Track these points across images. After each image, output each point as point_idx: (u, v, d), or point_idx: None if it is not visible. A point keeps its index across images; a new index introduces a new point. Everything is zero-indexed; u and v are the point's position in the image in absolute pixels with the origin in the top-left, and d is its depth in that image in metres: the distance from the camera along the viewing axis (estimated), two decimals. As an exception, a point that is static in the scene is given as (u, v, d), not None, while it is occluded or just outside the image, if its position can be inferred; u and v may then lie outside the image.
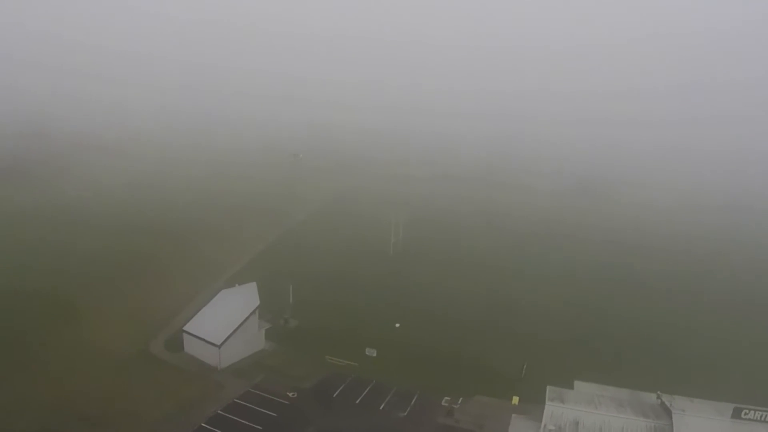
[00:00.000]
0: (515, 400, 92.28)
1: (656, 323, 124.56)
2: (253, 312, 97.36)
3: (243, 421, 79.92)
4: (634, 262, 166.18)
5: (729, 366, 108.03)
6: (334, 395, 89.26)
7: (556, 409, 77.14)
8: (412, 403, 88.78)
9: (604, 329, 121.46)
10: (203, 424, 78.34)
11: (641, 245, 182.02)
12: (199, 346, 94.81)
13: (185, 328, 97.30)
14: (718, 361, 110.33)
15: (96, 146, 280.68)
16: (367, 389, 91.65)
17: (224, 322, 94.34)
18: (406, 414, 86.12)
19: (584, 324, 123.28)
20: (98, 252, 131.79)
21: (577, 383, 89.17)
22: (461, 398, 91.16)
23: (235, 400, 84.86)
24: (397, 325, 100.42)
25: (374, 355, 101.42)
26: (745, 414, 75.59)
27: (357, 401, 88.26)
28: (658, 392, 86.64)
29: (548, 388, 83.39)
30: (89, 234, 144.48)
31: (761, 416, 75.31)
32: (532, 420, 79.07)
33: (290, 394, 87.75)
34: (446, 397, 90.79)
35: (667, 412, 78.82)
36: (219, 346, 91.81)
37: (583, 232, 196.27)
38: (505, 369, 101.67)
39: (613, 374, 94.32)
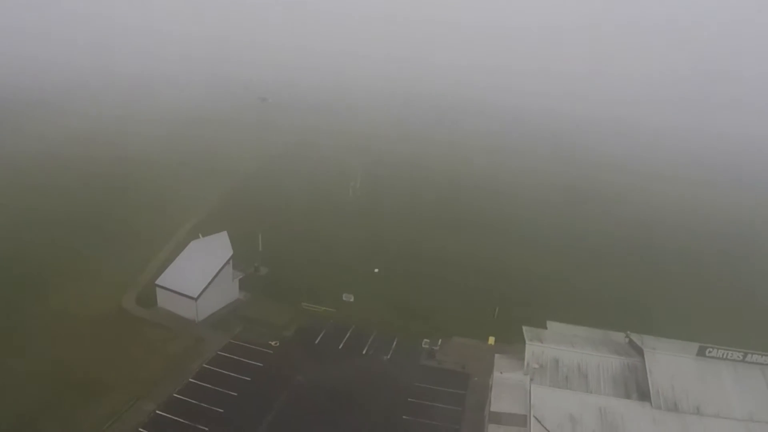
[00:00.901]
0: (491, 340, 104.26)
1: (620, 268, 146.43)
2: (227, 262, 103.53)
3: (230, 374, 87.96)
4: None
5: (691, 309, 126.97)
6: (316, 342, 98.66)
7: (537, 348, 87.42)
8: (393, 346, 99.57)
9: (567, 275, 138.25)
10: (191, 380, 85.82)
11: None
12: (173, 300, 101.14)
13: (158, 282, 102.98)
14: (680, 304, 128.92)
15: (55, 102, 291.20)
16: (348, 334, 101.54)
17: (198, 274, 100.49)
18: (389, 357, 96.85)
19: (550, 270, 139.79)
20: (57, 211, 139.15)
21: (549, 323, 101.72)
22: (440, 340, 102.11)
23: (219, 353, 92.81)
24: (376, 270, 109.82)
25: (351, 300, 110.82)
26: (709, 352, 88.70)
27: (339, 347, 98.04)
28: (627, 332, 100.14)
29: (524, 328, 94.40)
30: (45, 193, 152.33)
31: (723, 354, 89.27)
32: (514, 359, 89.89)
33: (273, 343, 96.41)
34: (425, 339, 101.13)
35: (638, 350, 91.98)
36: (196, 299, 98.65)
37: (545, 186, 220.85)
38: (479, 311, 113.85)
39: (579, 315, 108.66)
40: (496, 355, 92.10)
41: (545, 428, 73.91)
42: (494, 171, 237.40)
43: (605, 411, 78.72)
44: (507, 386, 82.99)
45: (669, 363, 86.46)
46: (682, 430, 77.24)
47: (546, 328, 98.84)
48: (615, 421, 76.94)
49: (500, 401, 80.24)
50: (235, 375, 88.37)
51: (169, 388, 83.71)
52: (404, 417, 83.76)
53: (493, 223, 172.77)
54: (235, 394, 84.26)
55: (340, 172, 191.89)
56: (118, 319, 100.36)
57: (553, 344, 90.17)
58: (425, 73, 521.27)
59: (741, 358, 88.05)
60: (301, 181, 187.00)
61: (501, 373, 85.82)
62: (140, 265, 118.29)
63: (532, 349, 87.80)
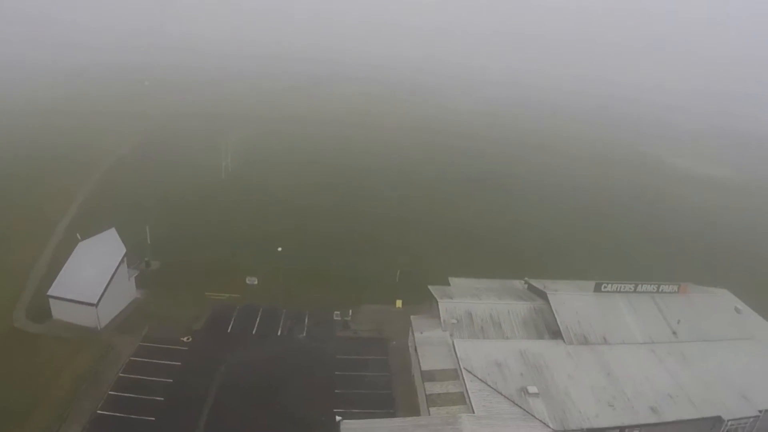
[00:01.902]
0: (399, 303, 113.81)
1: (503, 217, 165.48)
2: (122, 260, 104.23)
3: (150, 378, 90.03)
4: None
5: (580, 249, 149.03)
6: (229, 330, 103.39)
7: (449, 304, 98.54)
8: (306, 322, 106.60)
9: (459, 230, 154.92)
10: (111, 392, 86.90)
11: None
12: (71, 310, 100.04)
13: (50, 292, 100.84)
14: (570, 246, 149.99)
15: None
16: (258, 318, 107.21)
17: (93, 278, 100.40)
18: (305, 334, 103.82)
19: (444, 226, 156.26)
20: None
21: (452, 279, 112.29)
22: (351, 310, 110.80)
23: (132, 359, 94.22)
24: (279, 249, 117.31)
25: (255, 283, 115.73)
26: (605, 287, 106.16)
27: (253, 332, 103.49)
28: (525, 278, 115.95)
29: (430, 287, 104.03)
30: None
31: (617, 288, 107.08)
32: (429, 318, 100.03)
33: (185, 339, 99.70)
34: (336, 312, 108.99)
35: (540, 294, 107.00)
36: (96, 305, 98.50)
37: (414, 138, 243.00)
38: (383, 277, 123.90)
39: (477, 268, 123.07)
40: (412, 317, 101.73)
41: (477, 377, 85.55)
42: (368, 132, 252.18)
43: (525, 353, 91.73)
44: (430, 345, 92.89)
45: (571, 302, 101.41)
46: (596, 360, 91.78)
47: (449, 284, 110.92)
48: (536, 361, 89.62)
49: (428, 359, 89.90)
50: (156, 379, 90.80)
51: (90, 406, 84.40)
52: (336, 391, 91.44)
53: (378, 187, 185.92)
54: (162, 398, 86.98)
55: (213, 150, 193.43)
56: (12, 339, 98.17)
57: (463, 298, 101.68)
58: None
59: (632, 289, 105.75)
60: (176, 166, 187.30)
61: (421, 333, 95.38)
62: (21, 276, 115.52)
63: (444, 306, 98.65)
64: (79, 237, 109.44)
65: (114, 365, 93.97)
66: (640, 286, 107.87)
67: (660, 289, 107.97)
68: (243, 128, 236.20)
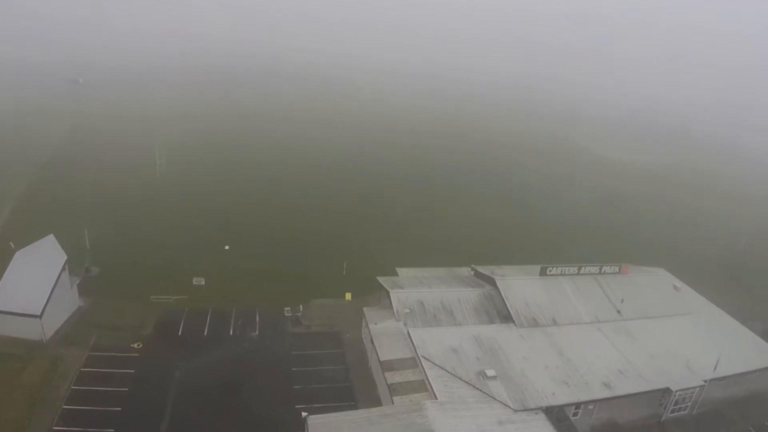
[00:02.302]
0: (348, 296, 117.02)
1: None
2: (63, 268, 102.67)
3: (105, 389, 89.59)
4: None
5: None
6: (180, 334, 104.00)
7: (401, 294, 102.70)
8: (257, 321, 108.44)
9: (399, 222, 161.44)
10: (65, 406, 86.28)
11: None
12: (12, 323, 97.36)
13: None
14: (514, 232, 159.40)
15: None
16: (208, 319, 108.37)
17: (34, 288, 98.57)
18: (257, 333, 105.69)
19: (384, 220, 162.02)
20: None
21: (399, 270, 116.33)
22: (301, 305, 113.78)
23: (83, 370, 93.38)
24: (227, 247, 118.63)
25: (203, 283, 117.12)
26: (550, 271, 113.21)
27: (205, 333, 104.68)
28: (472, 265, 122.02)
29: (379, 278, 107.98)
30: None
31: (561, 271, 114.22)
32: (381, 309, 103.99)
33: (135, 346, 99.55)
34: (286, 308, 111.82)
35: (488, 280, 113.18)
36: (40, 316, 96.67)
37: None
38: (329, 270, 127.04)
39: (421, 258, 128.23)
40: (365, 308, 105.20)
41: (435, 364, 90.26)
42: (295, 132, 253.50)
43: (480, 338, 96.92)
44: (385, 335, 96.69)
45: (519, 286, 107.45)
46: (548, 341, 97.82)
47: (397, 275, 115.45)
48: (491, 345, 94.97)
49: (386, 350, 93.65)
50: (111, 389, 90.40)
51: (44, 423, 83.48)
52: (295, 387, 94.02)
53: (317, 182, 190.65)
54: (119, 408, 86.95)
55: (146, 150, 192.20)
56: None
57: (413, 288, 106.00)
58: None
59: (576, 271, 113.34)
60: (109, 167, 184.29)
61: (376, 324, 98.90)
62: None
63: (396, 296, 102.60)
64: (12, 246, 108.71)
65: (65, 378, 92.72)
66: (583, 268, 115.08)
67: (602, 271, 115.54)
68: (174, 127, 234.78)
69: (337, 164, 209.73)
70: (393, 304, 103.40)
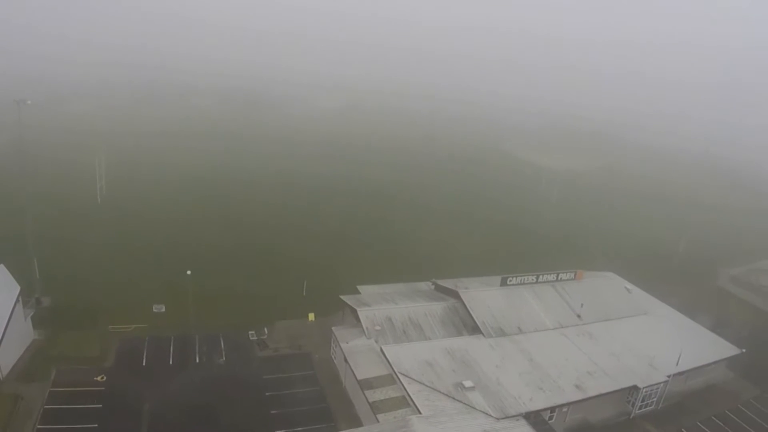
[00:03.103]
0: (311, 316, 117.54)
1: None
2: (17, 300, 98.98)
3: (72, 426, 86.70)
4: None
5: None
6: (144, 364, 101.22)
7: (368, 312, 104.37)
8: (223, 346, 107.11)
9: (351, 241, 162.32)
10: None
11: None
12: None
13: None
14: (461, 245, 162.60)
15: None
16: (171, 347, 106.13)
17: None
18: (224, 358, 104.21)
19: (335, 239, 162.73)
20: None
21: (360, 287, 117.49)
22: (265, 328, 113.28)
23: (46, 407, 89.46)
24: (189, 272, 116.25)
25: (163, 310, 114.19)
26: (510, 281, 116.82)
27: (170, 362, 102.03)
28: (433, 279, 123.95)
29: (343, 297, 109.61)
30: None
31: (521, 280, 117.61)
32: (350, 327, 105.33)
33: (99, 379, 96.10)
34: (250, 331, 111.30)
35: (449, 293, 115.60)
36: None
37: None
38: (289, 291, 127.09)
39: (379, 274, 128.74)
40: (334, 328, 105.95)
41: (413, 379, 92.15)
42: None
43: (452, 350, 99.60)
44: (359, 354, 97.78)
45: (482, 297, 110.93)
46: (517, 349, 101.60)
47: (358, 292, 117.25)
48: (463, 357, 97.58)
49: (361, 369, 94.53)
50: (78, 426, 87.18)
51: None
52: (272, 412, 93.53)
53: (263, 199, 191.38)
54: None
55: (83, 171, 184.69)
56: None
57: (380, 305, 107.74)
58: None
59: (535, 280, 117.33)
60: (45, 190, 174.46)
61: (347, 343, 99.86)
62: None
63: (364, 314, 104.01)
64: None
65: (28, 418, 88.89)
66: (542, 276, 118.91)
67: (559, 277, 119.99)
68: (122, 145, 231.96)
69: (287, 182, 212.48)
70: (362, 321, 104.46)
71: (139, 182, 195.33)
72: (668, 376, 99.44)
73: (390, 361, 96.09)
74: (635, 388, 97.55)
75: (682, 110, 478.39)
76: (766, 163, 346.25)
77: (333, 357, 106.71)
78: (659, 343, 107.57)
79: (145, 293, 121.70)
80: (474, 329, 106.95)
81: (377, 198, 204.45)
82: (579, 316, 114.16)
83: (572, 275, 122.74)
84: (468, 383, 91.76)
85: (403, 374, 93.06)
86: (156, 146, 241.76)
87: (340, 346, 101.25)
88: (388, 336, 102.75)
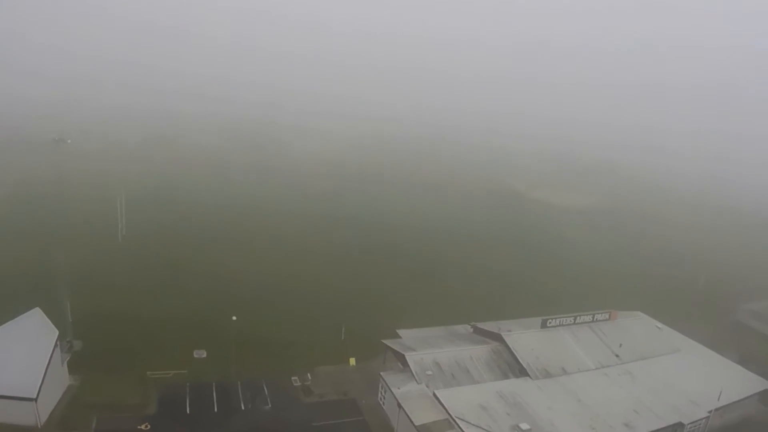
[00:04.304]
0: (352, 361, 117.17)
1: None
2: (56, 345, 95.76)
3: None
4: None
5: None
6: (188, 412, 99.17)
7: (416, 356, 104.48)
8: (266, 392, 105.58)
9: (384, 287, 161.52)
10: None
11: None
12: (1, 407, 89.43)
13: None
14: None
15: None
16: (214, 393, 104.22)
17: (25, 367, 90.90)
18: (270, 405, 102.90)
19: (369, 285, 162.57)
20: None
21: (400, 331, 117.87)
22: (308, 373, 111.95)
23: None
24: (234, 318, 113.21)
25: (204, 356, 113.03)
26: (550, 323, 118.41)
27: (215, 410, 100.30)
28: (472, 322, 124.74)
29: (386, 341, 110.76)
30: None
31: (560, 322, 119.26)
32: (397, 372, 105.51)
33: (143, 427, 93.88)
34: (293, 377, 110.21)
35: (490, 335, 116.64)
36: (35, 399, 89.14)
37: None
38: (326, 336, 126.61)
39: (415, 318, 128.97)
40: (382, 373, 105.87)
41: (471, 423, 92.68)
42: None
43: (503, 393, 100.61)
44: (412, 399, 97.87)
45: (525, 340, 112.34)
46: (563, 390, 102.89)
47: (399, 336, 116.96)
48: (515, 400, 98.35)
49: (418, 414, 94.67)
50: None
51: None
52: None
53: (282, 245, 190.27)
54: None
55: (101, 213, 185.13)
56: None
57: (426, 349, 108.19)
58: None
59: (573, 321, 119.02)
60: (65, 233, 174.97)
61: (399, 388, 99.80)
62: None
63: (413, 358, 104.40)
64: None
65: None
66: (578, 317, 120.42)
67: (595, 318, 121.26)
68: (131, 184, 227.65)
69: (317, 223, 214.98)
70: (411, 366, 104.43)
71: (167, 222, 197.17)
72: (709, 412, 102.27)
73: (445, 405, 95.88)
74: (680, 424, 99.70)
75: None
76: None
77: (381, 402, 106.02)
78: (695, 380, 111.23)
79: (183, 337, 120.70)
80: (520, 371, 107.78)
81: (401, 236, 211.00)
82: (617, 355, 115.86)
83: (606, 316, 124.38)
84: (525, 426, 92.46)
85: (460, 418, 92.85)
86: (179, 184, 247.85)
87: (391, 392, 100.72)
88: (437, 380, 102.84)
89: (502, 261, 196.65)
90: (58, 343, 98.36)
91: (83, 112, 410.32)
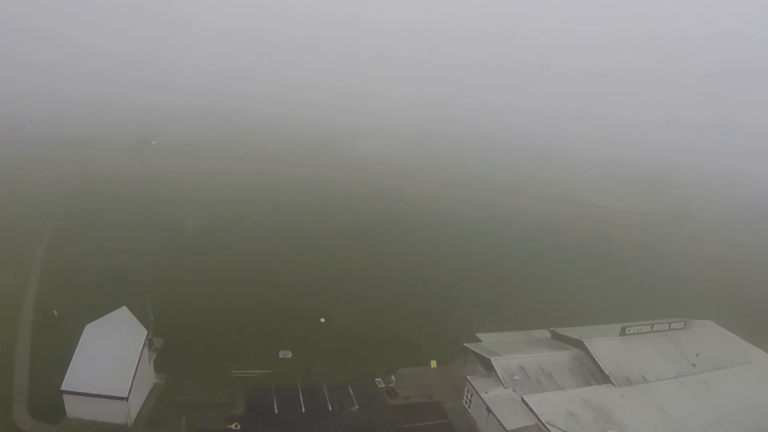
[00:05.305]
0: (433, 363, 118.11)
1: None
2: (144, 343, 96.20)
3: None
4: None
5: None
6: (276, 411, 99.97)
7: (501, 361, 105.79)
8: (352, 394, 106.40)
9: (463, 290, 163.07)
10: None
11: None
12: (92, 406, 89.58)
13: (64, 387, 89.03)
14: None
15: None
16: (301, 394, 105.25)
17: (115, 366, 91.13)
18: (357, 407, 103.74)
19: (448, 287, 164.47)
20: None
21: (480, 335, 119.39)
22: (393, 376, 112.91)
23: None
24: (323, 320, 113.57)
25: (289, 356, 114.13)
26: (629, 330, 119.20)
27: (303, 410, 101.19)
28: (551, 328, 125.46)
29: (468, 345, 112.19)
30: None
31: (638, 329, 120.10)
32: (484, 377, 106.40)
33: (233, 426, 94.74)
34: (377, 379, 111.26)
35: (570, 341, 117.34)
36: (127, 398, 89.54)
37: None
38: (405, 338, 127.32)
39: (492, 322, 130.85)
40: (469, 377, 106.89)
41: (561, 429, 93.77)
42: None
43: (588, 401, 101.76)
44: (501, 404, 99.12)
45: (606, 347, 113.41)
46: (646, 399, 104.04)
47: (479, 340, 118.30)
48: (600, 406, 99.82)
49: (508, 419, 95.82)
50: None
51: None
52: None
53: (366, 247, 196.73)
54: None
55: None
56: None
57: (509, 354, 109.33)
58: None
59: (650, 329, 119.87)
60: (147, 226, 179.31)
61: (487, 393, 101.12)
62: (3, 368, 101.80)
63: (498, 363, 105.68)
64: (55, 313, 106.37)
65: None
66: (655, 325, 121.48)
67: (671, 327, 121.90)
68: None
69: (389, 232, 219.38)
70: (497, 371, 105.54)
71: (253, 221, 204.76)
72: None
73: (535, 411, 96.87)
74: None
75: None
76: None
77: (467, 406, 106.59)
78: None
79: (265, 337, 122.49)
80: (603, 378, 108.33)
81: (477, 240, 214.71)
82: (693, 365, 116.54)
83: (682, 324, 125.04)
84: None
85: (550, 424, 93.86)
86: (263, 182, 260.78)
87: (479, 396, 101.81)
88: (524, 386, 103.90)
89: (573, 267, 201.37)
90: (146, 342, 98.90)
91: (160, 114, 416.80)
